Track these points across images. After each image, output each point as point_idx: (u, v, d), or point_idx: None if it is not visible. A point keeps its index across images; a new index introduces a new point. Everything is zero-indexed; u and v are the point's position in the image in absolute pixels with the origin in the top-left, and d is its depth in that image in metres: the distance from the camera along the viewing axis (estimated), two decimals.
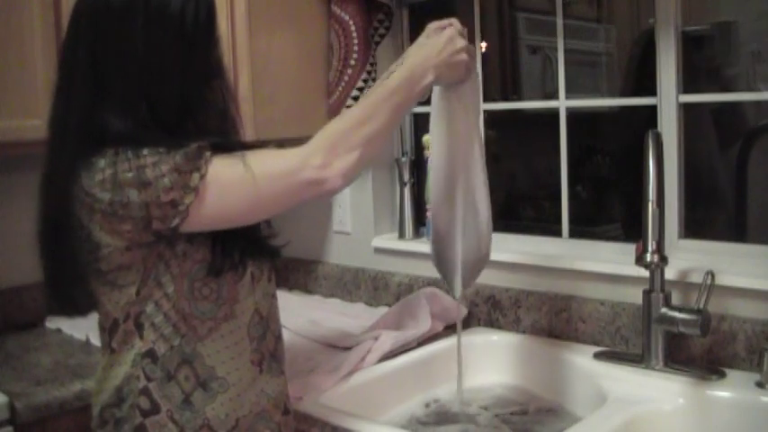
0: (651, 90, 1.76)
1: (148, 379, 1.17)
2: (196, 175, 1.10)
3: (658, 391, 1.49)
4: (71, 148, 1.14)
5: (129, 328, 1.18)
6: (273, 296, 1.32)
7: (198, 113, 1.18)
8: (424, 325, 1.83)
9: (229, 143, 1.19)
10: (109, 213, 1.10)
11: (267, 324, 1.27)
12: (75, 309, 1.25)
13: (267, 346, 1.27)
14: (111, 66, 1.14)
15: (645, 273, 1.55)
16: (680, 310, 1.52)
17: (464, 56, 1.31)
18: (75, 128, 1.15)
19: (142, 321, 1.17)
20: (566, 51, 1.93)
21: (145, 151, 1.09)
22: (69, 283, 1.21)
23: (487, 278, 1.93)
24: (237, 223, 1.18)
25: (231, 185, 1.13)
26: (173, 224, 1.11)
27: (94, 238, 1.13)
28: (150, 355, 1.17)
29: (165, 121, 1.14)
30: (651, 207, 1.47)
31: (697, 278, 1.55)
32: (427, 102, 2.36)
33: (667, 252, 1.55)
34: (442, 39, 1.29)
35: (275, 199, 1.18)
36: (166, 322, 1.17)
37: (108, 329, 1.20)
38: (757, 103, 1.84)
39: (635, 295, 1.64)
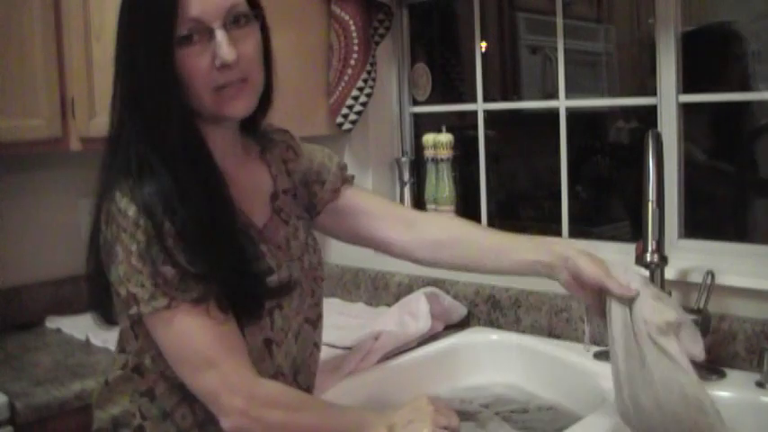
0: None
1: (143, 418, 1.16)
2: (164, 300, 1.05)
3: None
4: (107, 166, 1.12)
5: (133, 363, 1.16)
6: (306, 326, 1.30)
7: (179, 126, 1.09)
8: (424, 325, 1.82)
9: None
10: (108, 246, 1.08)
11: (279, 368, 1.21)
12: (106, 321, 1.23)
13: None
14: (117, 79, 1.12)
15: (645, 272, 1.55)
16: None
17: None
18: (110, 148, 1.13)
19: (143, 361, 1.15)
20: (566, 51, 1.94)
21: (142, 221, 1.04)
22: (103, 297, 1.17)
23: (488, 278, 1.93)
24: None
25: (179, 342, 1.07)
26: (130, 312, 1.07)
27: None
28: (149, 394, 1.15)
29: (153, 138, 1.08)
30: (651, 207, 1.47)
31: (697, 278, 1.55)
32: (427, 102, 2.35)
33: (667, 252, 1.55)
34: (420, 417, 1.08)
35: (192, 379, 1.09)
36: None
37: (121, 346, 1.19)
38: (757, 103, 1.84)
39: None
